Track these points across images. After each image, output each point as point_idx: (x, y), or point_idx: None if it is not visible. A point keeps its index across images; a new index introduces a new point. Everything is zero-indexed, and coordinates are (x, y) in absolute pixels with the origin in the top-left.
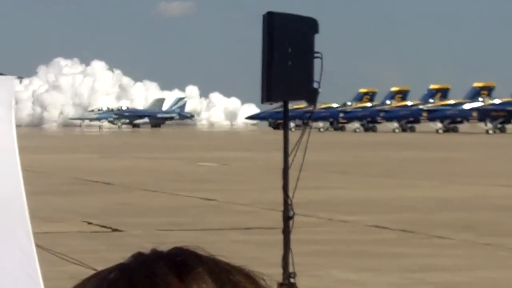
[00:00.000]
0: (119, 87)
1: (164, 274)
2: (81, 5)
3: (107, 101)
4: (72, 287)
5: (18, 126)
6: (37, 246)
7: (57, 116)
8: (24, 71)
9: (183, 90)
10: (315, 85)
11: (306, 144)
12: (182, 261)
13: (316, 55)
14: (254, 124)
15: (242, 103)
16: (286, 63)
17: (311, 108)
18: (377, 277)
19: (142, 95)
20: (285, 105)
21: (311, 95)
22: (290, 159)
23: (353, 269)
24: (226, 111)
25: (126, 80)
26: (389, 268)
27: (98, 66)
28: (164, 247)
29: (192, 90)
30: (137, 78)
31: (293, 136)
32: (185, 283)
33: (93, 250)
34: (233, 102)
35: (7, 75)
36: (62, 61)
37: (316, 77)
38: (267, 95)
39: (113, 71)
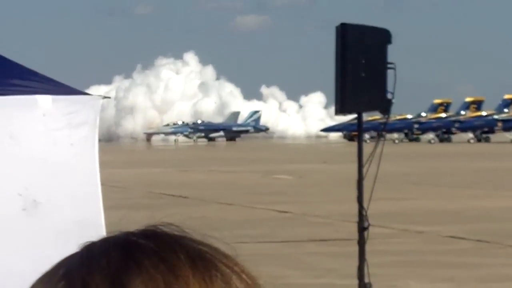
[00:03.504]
0: (200, 86)
1: None
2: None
3: (185, 107)
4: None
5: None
6: None
7: (138, 124)
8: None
9: (260, 99)
10: (389, 96)
11: (380, 155)
12: (118, 278)
13: (389, 65)
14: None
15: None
16: (360, 74)
17: (376, 120)
18: None
19: (221, 94)
20: (359, 117)
21: (385, 106)
22: (364, 170)
23: (429, 280)
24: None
25: (209, 75)
26: (465, 278)
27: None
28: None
29: (272, 93)
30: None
31: (368, 147)
32: None
33: None
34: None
35: (93, 95)
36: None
37: (389, 87)
38: (341, 107)
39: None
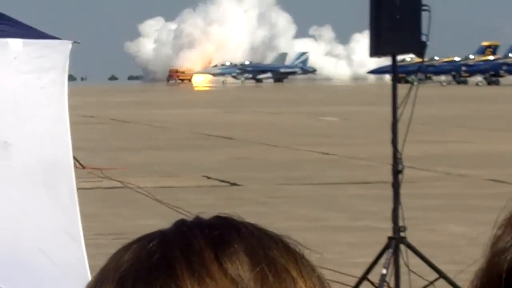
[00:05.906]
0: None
1: (200, 250)
2: None
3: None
4: (119, 249)
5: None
6: (156, 200)
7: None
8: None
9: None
10: (423, 38)
11: (414, 97)
12: (220, 235)
13: (424, 7)
14: None
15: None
16: (394, 16)
17: (424, 62)
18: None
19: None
20: (393, 59)
21: (419, 48)
22: (399, 112)
23: (469, 223)
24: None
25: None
26: None
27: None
28: (207, 214)
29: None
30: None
31: (412, 89)
32: (220, 260)
33: (211, 204)
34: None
35: (63, 40)
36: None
37: (424, 30)
38: (375, 49)
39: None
